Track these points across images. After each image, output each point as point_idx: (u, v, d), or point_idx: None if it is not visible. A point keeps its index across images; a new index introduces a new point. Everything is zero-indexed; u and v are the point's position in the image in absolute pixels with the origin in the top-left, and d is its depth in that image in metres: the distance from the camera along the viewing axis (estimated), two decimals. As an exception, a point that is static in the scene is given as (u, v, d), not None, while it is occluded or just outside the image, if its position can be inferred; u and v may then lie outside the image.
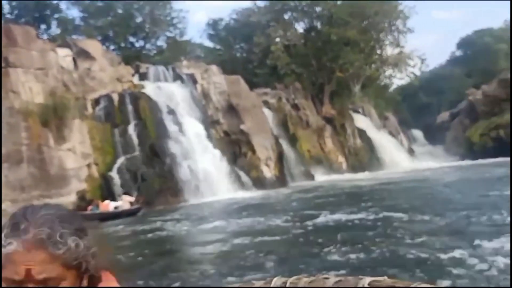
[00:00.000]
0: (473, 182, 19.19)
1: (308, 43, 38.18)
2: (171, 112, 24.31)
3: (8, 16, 26.17)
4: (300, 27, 40.94)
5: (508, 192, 11.60)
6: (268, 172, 29.65)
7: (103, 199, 19.53)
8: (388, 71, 42.46)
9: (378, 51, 40.74)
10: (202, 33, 46.09)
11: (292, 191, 23.96)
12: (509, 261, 6.04)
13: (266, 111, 32.24)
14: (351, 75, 38.32)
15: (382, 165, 39.62)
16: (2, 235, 0.92)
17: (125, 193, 19.35)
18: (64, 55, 21.73)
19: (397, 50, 40.77)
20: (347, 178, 30.44)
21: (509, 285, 5.28)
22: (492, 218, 9.64)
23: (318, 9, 38.60)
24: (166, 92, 25.40)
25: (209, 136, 25.92)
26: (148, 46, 39.19)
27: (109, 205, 17.28)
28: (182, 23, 40.10)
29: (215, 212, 17.33)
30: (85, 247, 0.95)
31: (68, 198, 18.61)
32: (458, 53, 64.14)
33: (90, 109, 21.87)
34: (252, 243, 9.56)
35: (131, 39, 37.49)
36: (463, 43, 62.42)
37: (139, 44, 38.49)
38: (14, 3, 26.94)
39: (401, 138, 49.26)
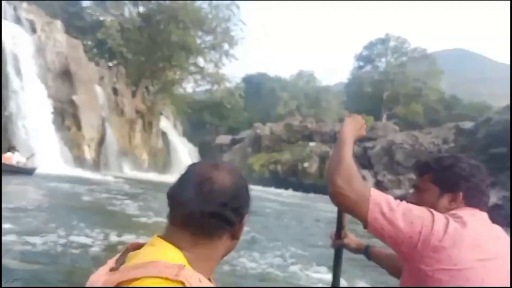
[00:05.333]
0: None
1: (145, 33, 37.11)
2: (15, 59, 20.33)
3: None
4: (135, 12, 39.38)
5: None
6: (88, 153, 27.32)
7: None
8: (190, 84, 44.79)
9: (201, 65, 42.62)
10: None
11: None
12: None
13: (97, 88, 29.76)
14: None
15: (178, 170, 41.00)
16: None
17: None
18: None
19: (215, 70, 43.47)
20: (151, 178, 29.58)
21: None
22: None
23: (162, 2, 38.11)
24: (9, 33, 21.03)
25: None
26: None
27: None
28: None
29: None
30: None
31: None
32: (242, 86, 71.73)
33: None
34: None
35: None
36: (248, 80, 70.20)
37: None
38: None
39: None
